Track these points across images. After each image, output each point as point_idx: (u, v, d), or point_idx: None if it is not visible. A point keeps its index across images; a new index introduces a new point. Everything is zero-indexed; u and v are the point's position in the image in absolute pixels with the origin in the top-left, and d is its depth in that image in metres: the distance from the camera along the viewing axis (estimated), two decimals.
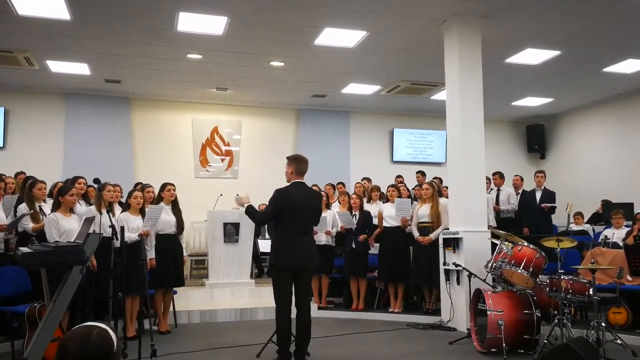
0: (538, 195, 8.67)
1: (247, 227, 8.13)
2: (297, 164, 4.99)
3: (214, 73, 9.27)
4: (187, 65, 8.81)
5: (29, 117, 10.29)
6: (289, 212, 4.83)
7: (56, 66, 8.84)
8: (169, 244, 6.33)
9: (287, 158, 5.09)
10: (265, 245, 8.57)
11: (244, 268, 8.22)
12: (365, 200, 8.08)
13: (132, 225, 5.88)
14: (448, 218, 6.96)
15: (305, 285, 4.98)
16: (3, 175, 6.68)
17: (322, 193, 7.82)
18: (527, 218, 8.65)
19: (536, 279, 5.38)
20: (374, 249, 7.56)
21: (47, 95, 10.37)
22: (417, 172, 9.82)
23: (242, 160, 11.47)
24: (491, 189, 8.97)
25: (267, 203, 5.08)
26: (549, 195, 8.62)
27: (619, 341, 5.03)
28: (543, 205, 8.50)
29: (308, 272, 4.99)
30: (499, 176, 9.00)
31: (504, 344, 4.99)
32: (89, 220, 4.31)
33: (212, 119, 11.37)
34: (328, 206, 7.89)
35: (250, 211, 5.05)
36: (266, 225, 8.87)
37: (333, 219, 7.61)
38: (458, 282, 6.51)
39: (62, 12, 6.63)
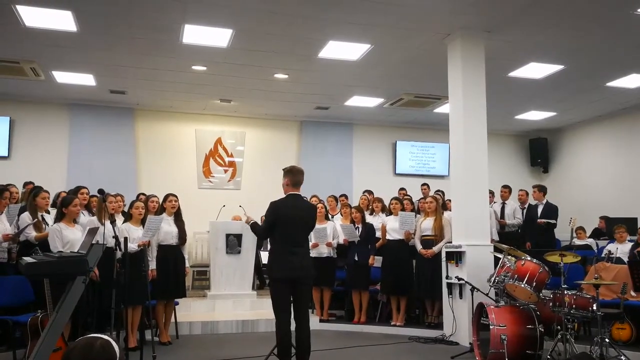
0: (540, 209, 8.64)
1: (249, 238, 8.12)
2: (292, 175, 4.97)
3: (218, 85, 9.32)
4: (192, 77, 8.87)
5: (34, 127, 10.35)
6: (282, 224, 4.84)
7: (62, 77, 8.91)
8: (171, 254, 6.32)
9: (283, 170, 5.09)
10: (267, 257, 8.56)
11: (245, 279, 8.20)
12: (367, 212, 8.08)
13: (134, 236, 5.89)
14: (451, 231, 6.96)
15: (304, 297, 4.94)
16: (9, 185, 6.70)
17: (320, 205, 7.80)
18: (529, 232, 8.64)
19: (539, 294, 5.36)
20: (377, 262, 7.53)
21: (52, 106, 10.44)
22: (423, 185, 9.82)
23: (245, 171, 11.50)
24: (494, 202, 8.97)
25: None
26: (551, 209, 8.59)
27: (622, 357, 4.99)
28: (539, 220, 8.48)
29: (306, 285, 4.96)
30: (508, 190, 8.98)
31: (506, 359, 4.96)
32: (92, 231, 4.32)
33: (215, 130, 11.42)
34: (327, 217, 7.90)
35: (254, 228, 5.10)
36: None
37: (333, 230, 7.59)
38: (461, 296, 6.49)
39: (68, 24, 6.69)
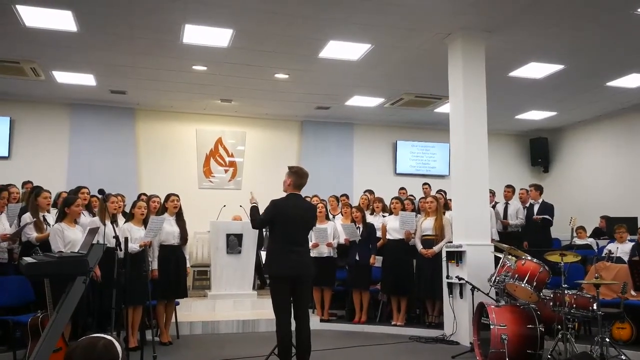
0: (536, 208, 8.63)
1: (250, 238, 8.13)
2: (297, 177, 4.96)
3: (218, 84, 9.32)
4: (192, 77, 8.87)
5: (34, 127, 10.36)
6: (282, 223, 4.84)
7: (62, 77, 8.91)
8: (172, 254, 6.31)
9: (289, 168, 5.07)
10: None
11: (246, 279, 8.20)
12: (368, 212, 8.08)
13: (135, 236, 5.90)
14: (452, 231, 6.96)
15: (304, 296, 4.94)
16: (9, 185, 6.70)
17: (321, 204, 7.80)
18: (527, 231, 8.64)
19: (540, 293, 5.36)
20: (377, 262, 7.53)
21: (53, 106, 10.44)
22: (424, 184, 9.81)
23: (245, 171, 11.50)
24: (496, 202, 8.95)
25: None
26: (547, 208, 8.57)
27: (622, 357, 5.00)
28: (534, 217, 8.47)
29: (306, 284, 4.96)
30: (512, 190, 8.97)
31: (507, 359, 4.96)
32: (93, 231, 4.32)
33: (216, 130, 11.42)
34: (328, 217, 7.90)
35: (252, 212, 5.09)
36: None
37: (334, 230, 7.60)
38: (461, 296, 6.49)
39: (69, 24, 6.69)
